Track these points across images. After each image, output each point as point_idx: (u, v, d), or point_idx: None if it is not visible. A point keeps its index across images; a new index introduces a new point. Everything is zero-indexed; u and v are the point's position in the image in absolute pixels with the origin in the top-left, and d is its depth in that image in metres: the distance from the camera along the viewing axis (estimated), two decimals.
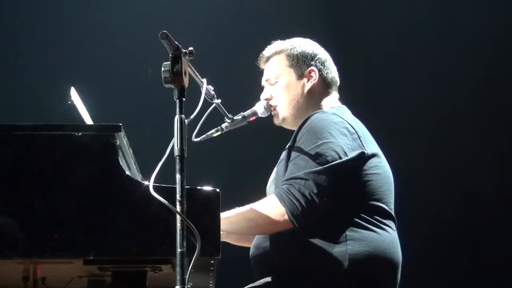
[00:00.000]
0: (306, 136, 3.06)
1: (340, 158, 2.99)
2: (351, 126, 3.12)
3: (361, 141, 3.09)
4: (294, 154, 3.06)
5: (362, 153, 3.06)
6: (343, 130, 3.08)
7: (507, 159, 5.44)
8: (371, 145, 3.14)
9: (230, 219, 3.01)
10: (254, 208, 3.01)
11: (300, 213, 2.92)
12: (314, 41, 3.42)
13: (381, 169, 3.13)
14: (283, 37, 3.43)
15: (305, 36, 3.44)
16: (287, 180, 2.99)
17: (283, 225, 2.95)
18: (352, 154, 3.02)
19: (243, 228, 3.07)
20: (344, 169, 2.99)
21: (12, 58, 5.36)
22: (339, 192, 2.97)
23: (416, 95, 5.50)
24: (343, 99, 3.39)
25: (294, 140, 3.12)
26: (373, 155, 3.11)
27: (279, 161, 3.25)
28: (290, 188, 2.95)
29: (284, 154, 3.21)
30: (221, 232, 3.03)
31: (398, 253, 3.09)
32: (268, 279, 3.05)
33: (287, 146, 3.22)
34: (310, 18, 5.49)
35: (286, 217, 2.93)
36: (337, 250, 2.95)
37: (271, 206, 2.96)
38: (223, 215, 3.00)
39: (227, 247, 3.01)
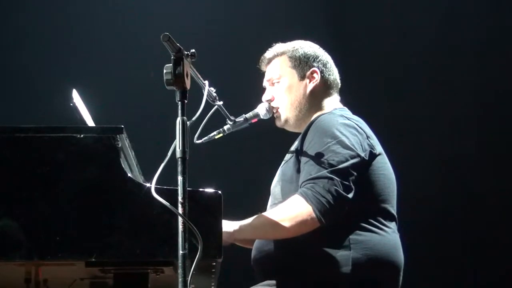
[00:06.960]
0: (317, 136, 3.05)
1: (358, 155, 3.00)
2: (359, 127, 3.13)
3: (370, 141, 3.10)
4: (307, 154, 3.03)
5: (372, 153, 3.08)
6: (353, 130, 3.08)
7: (508, 159, 5.43)
8: (377, 145, 3.15)
9: (253, 224, 2.99)
10: (278, 210, 2.98)
11: (328, 211, 2.89)
12: (315, 43, 3.42)
13: (386, 170, 3.14)
14: (284, 39, 3.43)
15: (306, 39, 3.43)
16: (310, 179, 2.95)
17: (311, 224, 2.91)
18: (365, 153, 3.04)
19: (269, 232, 3.01)
20: (361, 167, 3.00)
21: (14, 60, 5.36)
22: (356, 190, 2.96)
23: (416, 95, 5.49)
24: (345, 99, 3.39)
25: (303, 141, 3.10)
26: (379, 155, 3.12)
27: (283, 162, 3.25)
28: (315, 186, 2.92)
29: (289, 156, 3.21)
30: (240, 239, 3.04)
31: (400, 256, 3.09)
32: (270, 282, 3.05)
33: (292, 148, 3.22)
34: (312, 20, 5.48)
35: (313, 215, 2.89)
36: (340, 254, 2.95)
37: (297, 206, 2.92)
38: (244, 221, 3.00)
39: (229, 249, 3.00)
